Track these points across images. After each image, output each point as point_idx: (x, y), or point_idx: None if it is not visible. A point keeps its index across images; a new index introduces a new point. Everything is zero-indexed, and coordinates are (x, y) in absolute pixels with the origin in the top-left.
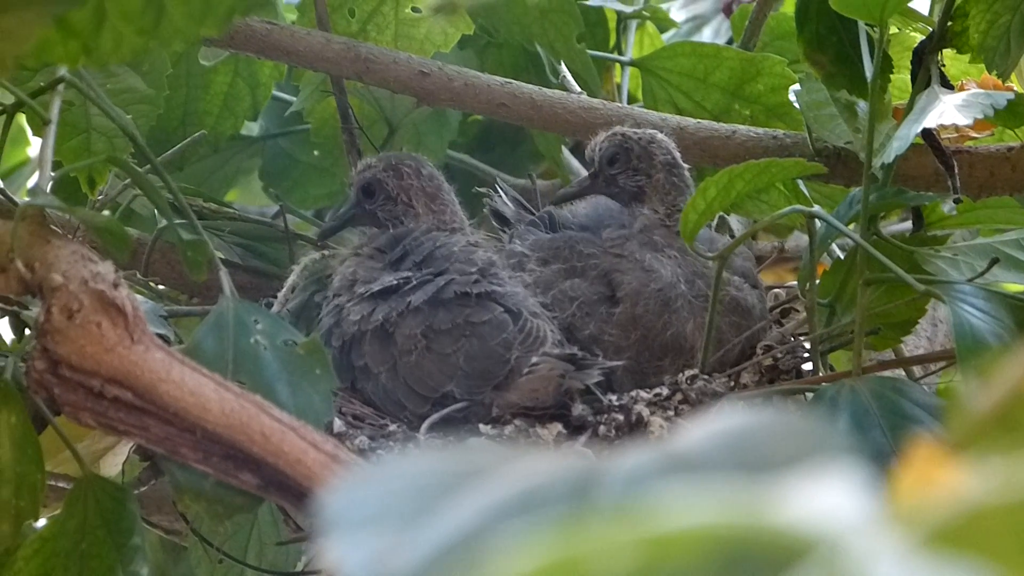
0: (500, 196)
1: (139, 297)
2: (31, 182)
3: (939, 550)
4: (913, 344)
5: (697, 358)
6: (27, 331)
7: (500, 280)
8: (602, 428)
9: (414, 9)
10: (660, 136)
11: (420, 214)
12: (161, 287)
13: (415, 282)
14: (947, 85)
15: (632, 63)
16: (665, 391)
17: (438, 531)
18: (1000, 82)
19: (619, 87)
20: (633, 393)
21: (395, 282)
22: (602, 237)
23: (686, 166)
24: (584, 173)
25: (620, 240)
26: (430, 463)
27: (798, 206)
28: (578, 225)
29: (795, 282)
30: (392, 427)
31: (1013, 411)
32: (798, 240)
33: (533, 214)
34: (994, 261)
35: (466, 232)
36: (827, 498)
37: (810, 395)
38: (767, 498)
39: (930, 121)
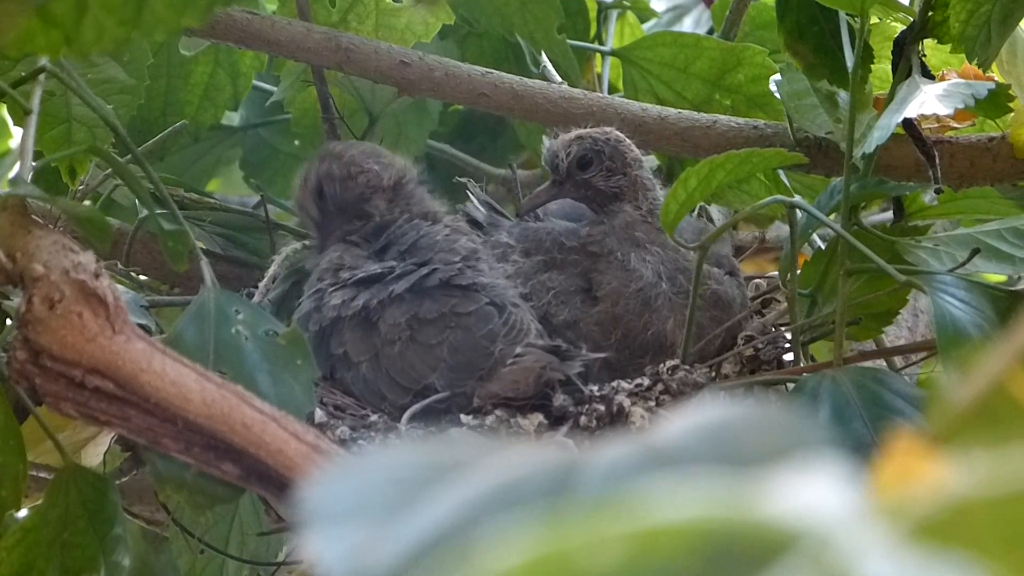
0: (472, 200)
1: (120, 287)
2: (12, 172)
3: (924, 544)
4: (894, 334)
5: (678, 353)
6: (8, 321)
7: (482, 271)
8: (583, 419)
9: (396, 1)
10: (617, 133)
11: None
12: (142, 277)
13: (399, 271)
14: (928, 75)
15: (613, 53)
16: (646, 382)
17: (419, 524)
18: (981, 72)
19: (600, 77)
20: (614, 384)
21: (379, 270)
22: (580, 234)
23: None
24: None
25: (599, 236)
26: (411, 455)
27: (779, 196)
28: (561, 216)
29: (776, 272)
30: (373, 417)
31: (994, 403)
32: (779, 230)
33: (506, 217)
34: (975, 251)
35: (448, 220)
36: (810, 491)
37: (791, 385)
38: (751, 491)
39: (911, 111)
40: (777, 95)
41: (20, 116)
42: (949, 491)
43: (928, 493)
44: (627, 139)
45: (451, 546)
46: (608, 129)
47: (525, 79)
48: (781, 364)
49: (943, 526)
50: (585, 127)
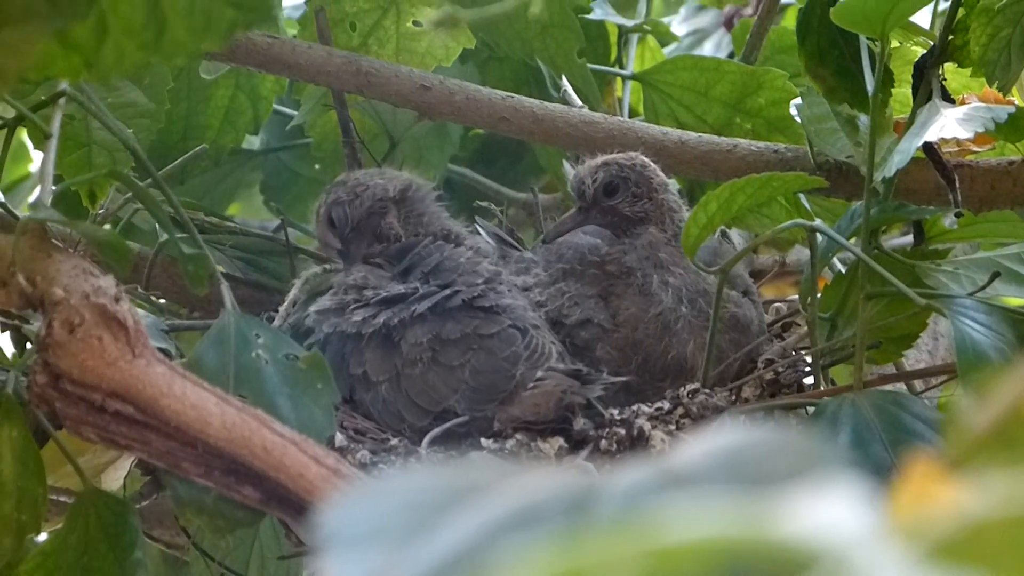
0: (481, 234)
1: (140, 311)
2: (32, 196)
3: (941, 564)
4: (914, 358)
5: (697, 376)
6: (28, 345)
7: (504, 293)
8: (604, 442)
9: (415, 23)
10: (644, 159)
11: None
12: (162, 301)
13: (422, 291)
14: (948, 99)
15: (633, 77)
16: (667, 405)
17: (437, 548)
18: (1001, 96)
19: (620, 101)
20: (635, 407)
21: (403, 290)
22: (601, 251)
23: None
24: None
25: (618, 254)
26: (430, 479)
27: (799, 220)
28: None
29: (796, 296)
30: (394, 441)
31: (1012, 427)
32: (799, 254)
33: (518, 248)
34: (995, 275)
35: (471, 242)
36: (829, 512)
37: (811, 409)
38: (769, 511)
39: (931, 135)
40: (797, 119)
41: (40, 140)
42: (966, 512)
43: (945, 515)
44: (652, 163)
45: (469, 569)
46: (634, 154)
47: (546, 103)
48: (801, 388)
49: (960, 547)
50: (607, 152)
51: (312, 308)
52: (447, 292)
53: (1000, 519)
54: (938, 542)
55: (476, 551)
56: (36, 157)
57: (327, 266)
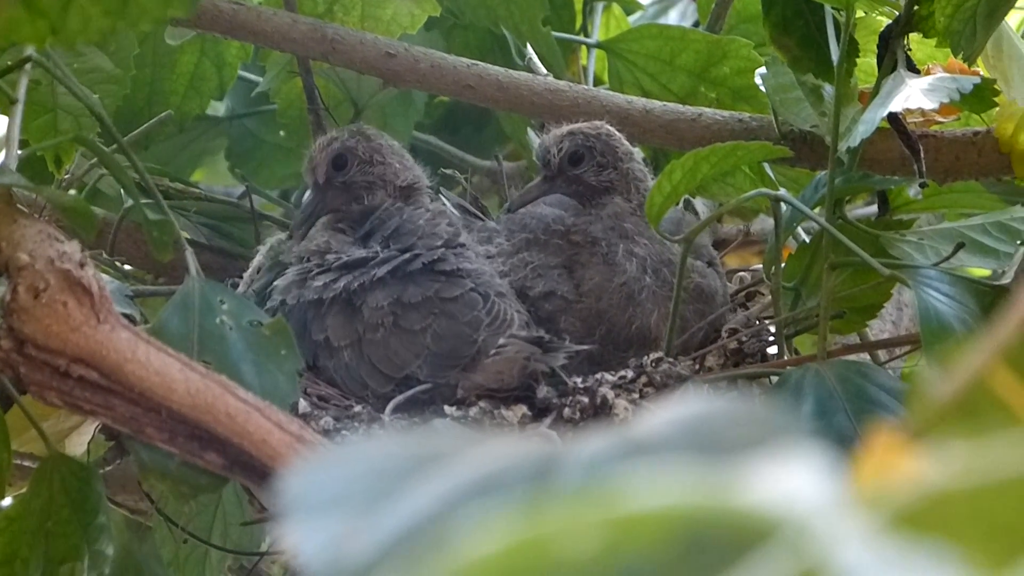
0: (445, 204)
1: (105, 276)
2: (5, 161)
3: (902, 533)
4: (878, 328)
5: (661, 346)
6: None
7: (466, 256)
8: (567, 410)
9: None
10: (609, 128)
11: (398, 170)
12: (127, 267)
13: (382, 256)
14: (913, 69)
15: (598, 45)
16: (630, 374)
17: (398, 515)
18: (966, 66)
19: (585, 69)
20: (598, 376)
21: (364, 255)
22: (566, 221)
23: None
24: None
25: (584, 225)
26: (393, 446)
27: (763, 189)
28: (551, 206)
29: (760, 265)
30: (357, 408)
31: (975, 397)
32: (763, 223)
33: (480, 218)
34: (960, 246)
35: (430, 201)
36: (790, 481)
37: (775, 379)
38: (730, 481)
39: (896, 105)
40: (762, 88)
41: (6, 105)
42: (927, 482)
43: (907, 484)
44: (618, 133)
45: (430, 536)
46: (599, 123)
47: (510, 71)
48: (765, 357)
49: (921, 516)
50: (572, 120)
51: (276, 282)
52: (407, 256)
53: (960, 489)
54: (898, 512)
55: (438, 519)
56: (1, 122)
57: (290, 232)
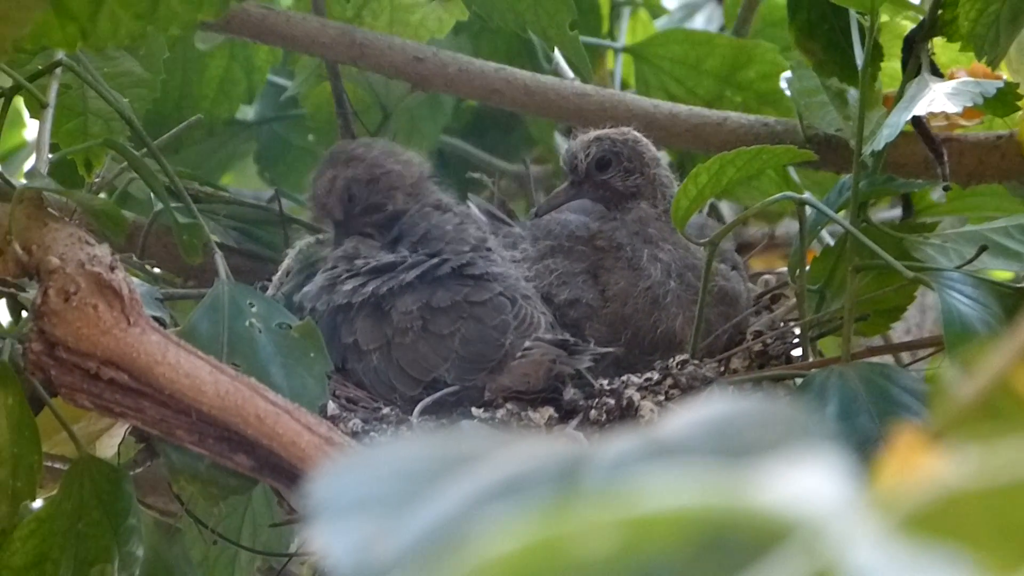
0: (473, 210)
1: (135, 279)
2: (28, 165)
3: (915, 534)
4: (902, 330)
5: (686, 349)
6: (24, 313)
7: (493, 259)
8: (593, 412)
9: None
10: (636, 134)
11: (402, 172)
12: (157, 270)
13: (411, 260)
14: (937, 73)
15: (625, 50)
16: (656, 376)
17: (425, 517)
18: (990, 70)
19: (612, 73)
20: (624, 378)
21: (392, 260)
22: (591, 227)
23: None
24: None
25: (609, 231)
26: (421, 448)
27: (788, 192)
28: (577, 213)
29: (785, 268)
30: (385, 410)
31: (998, 399)
32: (788, 227)
33: (508, 223)
34: (982, 249)
35: (458, 209)
36: (807, 483)
37: (799, 381)
38: (747, 482)
39: (920, 109)
40: (787, 92)
41: (36, 109)
42: (942, 483)
43: (923, 485)
44: (644, 139)
45: (455, 538)
46: (626, 129)
47: (538, 75)
48: (789, 359)
49: (935, 517)
50: (599, 124)
51: (305, 288)
52: (435, 260)
53: (974, 490)
54: (912, 513)
55: (465, 520)
56: (32, 126)
57: (320, 236)
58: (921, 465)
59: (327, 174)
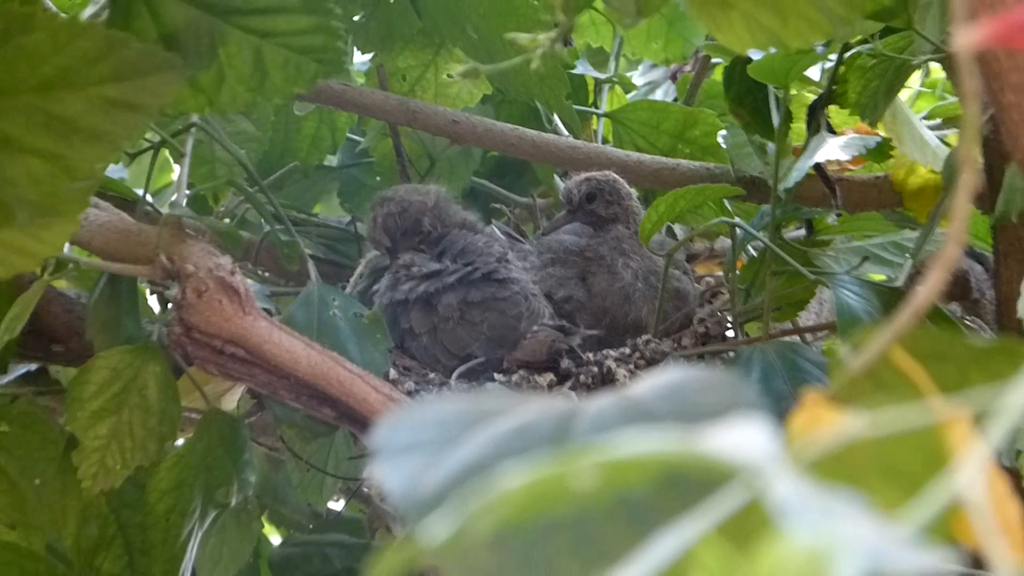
0: (495, 231)
1: (249, 281)
2: (172, 199)
3: (820, 475)
4: (805, 318)
5: (650, 331)
6: (169, 305)
7: (511, 267)
8: (582, 377)
9: (449, 75)
10: (615, 176)
11: (424, 202)
12: (266, 274)
13: (451, 269)
14: (832, 131)
15: (605, 115)
16: (627, 351)
17: (459, 456)
18: (871, 129)
19: (596, 132)
20: (604, 352)
21: (438, 267)
22: (580, 244)
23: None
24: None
25: (595, 246)
26: (456, 404)
27: (723, 218)
28: (572, 234)
29: (721, 273)
30: (431, 376)
31: (879, 369)
32: (724, 243)
33: (522, 241)
34: (865, 258)
35: (486, 230)
36: (741, 434)
37: (732, 354)
38: (697, 434)
39: (819, 157)
40: (723, 145)
41: (178, 157)
42: (840, 435)
43: (825, 436)
44: (620, 179)
45: (480, 473)
46: (607, 172)
47: (542, 134)
48: (724, 338)
49: (835, 462)
50: (587, 169)
51: (374, 287)
52: (470, 268)
53: (863, 441)
54: (817, 458)
55: (489, 460)
56: (176, 170)
57: (380, 253)
58: (823, 420)
59: (371, 216)
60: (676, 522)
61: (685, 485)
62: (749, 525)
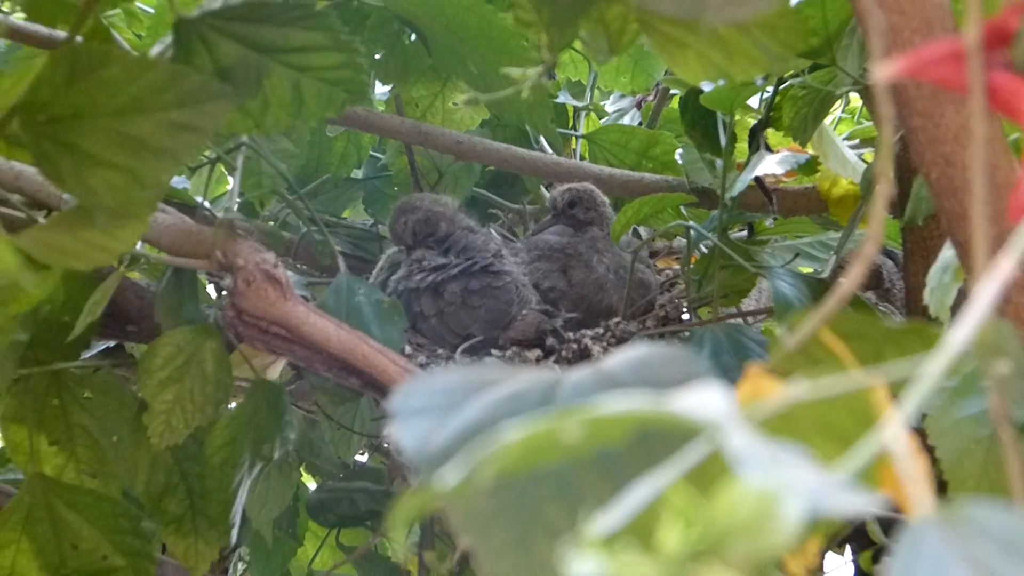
0: (492, 232)
1: (289, 273)
2: (226, 205)
3: (769, 432)
4: (747, 303)
5: (620, 314)
6: (223, 293)
7: (505, 261)
8: (563, 353)
9: (454, 103)
10: (592, 187)
11: (435, 207)
12: (303, 267)
13: (455, 263)
14: (769, 150)
15: (583, 136)
16: (601, 331)
17: (462, 419)
18: (801, 148)
19: (575, 150)
20: (582, 332)
21: (444, 262)
22: (563, 243)
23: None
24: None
25: (574, 244)
26: (459, 375)
27: (680, 221)
28: (555, 235)
29: (678, 266)
30: (440, 352)
31: (810, 346)
32: (680, 242)
33: (513, 240)
34: (796, 255)
35: (483, 232)
36: (699, 398)
37: (687, 334)
38: (662, 397)
39: (759, 171)
40: (680, 161)
41: (231, 170)
42: (779, 399)
43: (766, 401)
44: (596, 189)
45: (481, 432)
46: (585, 184)
47: (531, 152)
48: (681, 321)
49: (781, 421)
50: (568, 181)
51: (392, 278)
52: (470, 262)
53: (800, 404)
54: (763, 418)
55: (488, 420)
56: (229, 181)
57: (399, 248)
58: (764, 388)
59: (401, 219)
60: (649, 471)
61: (656, 440)
62: (711, 472)
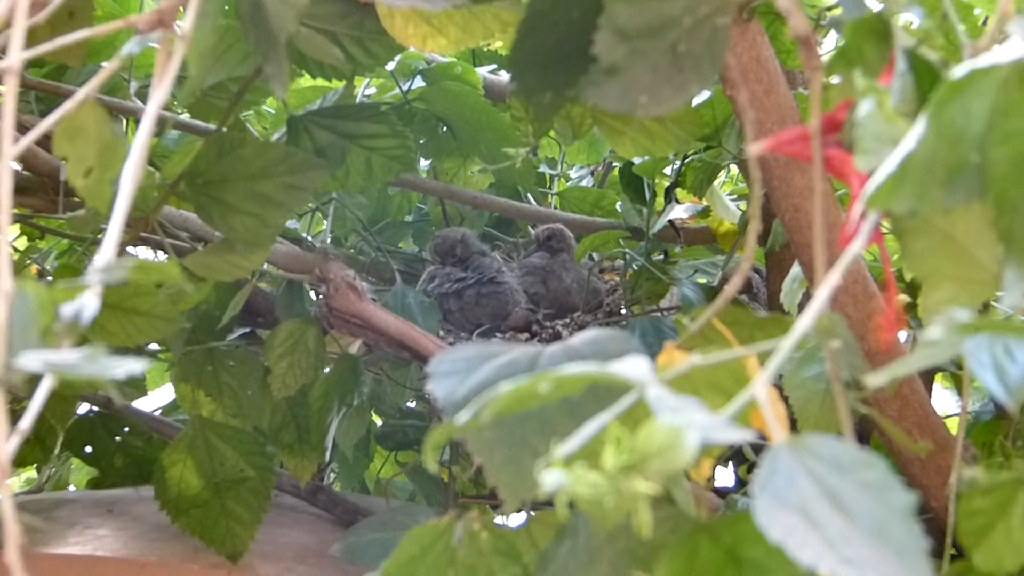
0: (496, 256)
1: (364, 283)
2: (322, 239)
3: (676, 388)
4: (664, 303)
5: (581, 310)
6: (320, 296)
7: (504, 275)
8: (543, 335)
9: (471, 172)
10: (562, 227)
11: (458, 239)
12: (373, 280)
13: (471, 276)
14: (678, 202)
15: (556, 193)
16: (568, 321)
17: (475, 378)
18: (699, 200)
19: (550, 203)
20: (555, 322)
21: (463, 275)
22: (543, 264)
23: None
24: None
25: (551, 265)
26: (475, 350)
27: (620, 249)
28: (538, 258)
29: (619, 278)
30: (463, 335)
31: (706, 331)
32: (620, 263)
33: (510, 261)
34: (696, 271)
35: (491, 255)
36: (634, 365)
37: (624, 323)
38: (610, 366)
39: (671, 216)
40: (619, 210)
41: (325, 216)
42: (686, 366)
43: (676, 367)
44: (565, 228)
45: (488, 387)
46: (558, 224)
47: (522, 203)
48: (620, 314)
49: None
50: (546, 223)
51: (428, 286)
52: (481, 275)
53: (699, 369)
54: (673, 379)
55: (491, 380)
56: (324, 223)
57: (436, 266)
58: (676, 359)
59: (441, 247)
60: (597, 414)
61: (602, 392)
62: (637, 414)
